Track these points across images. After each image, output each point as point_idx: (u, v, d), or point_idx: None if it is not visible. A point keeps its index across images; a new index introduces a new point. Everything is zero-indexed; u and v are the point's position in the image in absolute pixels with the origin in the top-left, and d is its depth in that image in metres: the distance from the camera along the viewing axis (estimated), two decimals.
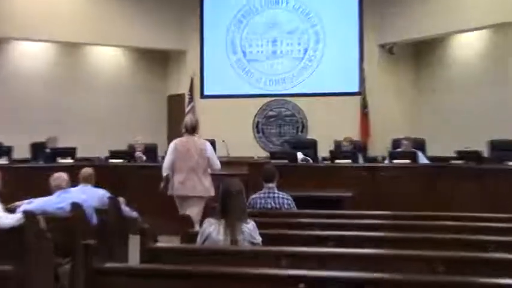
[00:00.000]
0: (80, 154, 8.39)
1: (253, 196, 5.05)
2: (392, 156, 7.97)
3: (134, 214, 5.81)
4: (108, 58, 11.69)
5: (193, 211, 5.69)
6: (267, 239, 3.67)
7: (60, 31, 10.37)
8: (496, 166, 7.16)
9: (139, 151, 8.73)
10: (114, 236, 5.37)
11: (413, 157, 7.80)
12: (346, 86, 10.92)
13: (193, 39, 11.58)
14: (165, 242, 3.95)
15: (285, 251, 3.36)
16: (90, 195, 5.34)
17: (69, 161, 8.03)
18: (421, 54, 10.93)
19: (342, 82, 10.96)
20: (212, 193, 5.86)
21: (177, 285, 2.89)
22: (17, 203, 5.00)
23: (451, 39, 10.28)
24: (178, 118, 9.61)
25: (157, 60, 12.17)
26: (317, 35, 11.12)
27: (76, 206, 4.89)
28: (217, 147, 8.58)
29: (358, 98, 10.73)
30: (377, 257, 3.33)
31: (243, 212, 3.70)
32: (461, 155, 7.49)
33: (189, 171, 5.94)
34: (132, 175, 7.95)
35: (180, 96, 11.76)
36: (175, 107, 11.89)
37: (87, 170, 5.70)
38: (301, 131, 11.14)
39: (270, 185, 5.05)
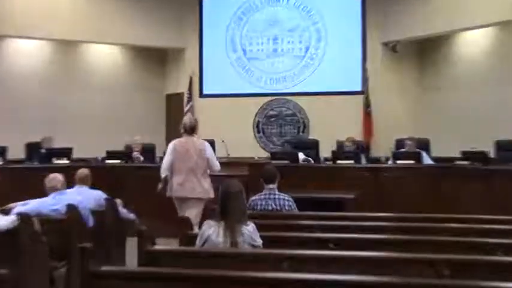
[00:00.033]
0: (76, 154, 8.39)
1: (254, 197, 5.05)
2: (396, 156, 7.96)
3: (131, 216, 5.80)
4: (104, 56, 11.69)
5: (192, 213, 5.69)
6: (267, 242, 3.67)
7: (56, 29, 10.36)
8: (502, 167, 7.14)
9: (137, 151, 8.73)
10: (111, 239, 5.36)
11: (418, 158, 7.79)
12: (349, 85, 10.91)
13: (192, 37, 11.58)
14: (163, 244, 3.95)
15: (285, 254, 3.35)
16: (86, 197, 5.33)
17: (64, 161, 8.02)
18: (426, 52, 10.92)
19: (344, 81, 10.96)
20: (212, 195, 5.87)
21: None
22: (12, 205, 4.99)
23: (456, 36, 10.28)
24: (176, 118, 9.61)
25: (155, 59, 12.17)
26: (319, 32, 11.11)
27: (72, 208, 4.88)
28: (216, 147, 8.58)
29: (360, 97, 10.72)
30: (380, 260, 3.32)
31: (243, 213, 3.69)
32: (467, 155, 7.47)
33: (188, 172, 5.95)
34: (130, 176, 7.94)
35: (179, 96, 11.76)
36: (174, 106, 11.89)
37: (83, 171, 5.69)
38: (303, 131, 11.14)
39: (271, 186, 5.05)
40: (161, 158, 7.39)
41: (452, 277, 3.04)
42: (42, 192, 5.09)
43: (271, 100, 11.30)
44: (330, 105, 10.76)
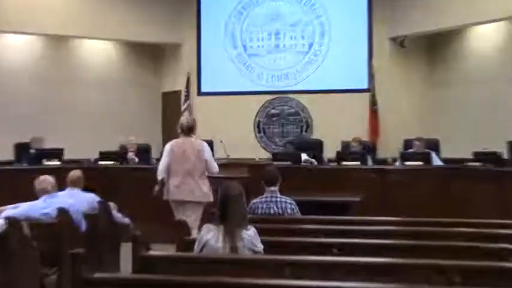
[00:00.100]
0: (67, 155, 8.39)
1: (254, 200, 5.04)
2: (404, 157, 7.96)
3: (126, 220, 5.81)
4: (98, 52, 11.67)
5: (191, 217, 5.70)
6: (268, 247, 3.67)
7: (46, 24, 10.34)
8: None
9: (132, 152, 8.74)
10: (104, 244, 5.37)
11: (427, 158, 7.79)
12: (354, 82, 10.91)
13: (189, 31, 11.57)
14: (160, 250, 3.95)
15: (287, 260, 3.35)
16: (78, 200, 5.33)
17: (55, 162, 8.02)
18: (435, 47, 10.91)
19: (350, 78, 10.95)
20: (211, 198, 5.87)
21: None
22: (1, 208, 4.99)
23: (468, 31, 10.26)
24: (173, 117, 9.62)
25: (150, 55, 12.17)
26: (322, 27, 11.11)
27: (63, 212, 4.88)
28: (215, 148, 8.59)
29: (366, 95, 10.71)
30: (387, 266, 3.32)
31: (243, 217, 3.69)
32: (479, 156, 7.47)
33: (185, 174, 5.96)
34: (124, 178, 7.94)
35: (176, 94, 11.75)
36: (171, 105, 11.89)
37: (75, 173, 5.69)
38: (306, 131, 11.14)
39: (272, 188, 5.05)
40: (157, 159, 7.41)
41: (463, 284, 3.04)
42: (32, 195, 5.10)
43: (273, 98, 11.29)
44: (335, 103, 10.76)
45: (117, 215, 5.73)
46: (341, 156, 8.14)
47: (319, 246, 3.89)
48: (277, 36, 11.28)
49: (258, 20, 11.35)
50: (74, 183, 5.60)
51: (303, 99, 11.12)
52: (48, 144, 8.71)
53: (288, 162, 7.92)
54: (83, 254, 3.01)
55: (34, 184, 5.11)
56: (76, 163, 8.14)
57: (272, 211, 4.96)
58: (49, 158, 8.09)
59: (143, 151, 8.91)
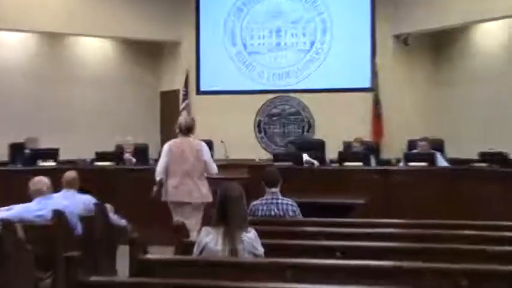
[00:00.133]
0: (62, 156, 8.38)
1: (255, 202, 5.04)
2: (408, 158, 7.96)
3: (123, 222, 5.80)
4: (93, 50, 11.66)
5: (190, 220, 5.69)
6: (269, 250, 3.66)
7: (41, 21, 10.32)
8: None
9: (129, 152, 8.72)
10: (100, 247, 5.36)
11: (431, 159, 7.78)
12: (357, 81, 10.91)
13: (188, 29, 11.57)
14: (157, 253, 3.93)
15: (288, 263, 3.34)
16: (73, 202, 5.33)
17: (50, 163, 8.02)
18: (439, 45, 10.91)
19: (352, 77, 10.96)
20: (210, 199, 5.87)
21: None
22: None
23: (474, 28, 10.25)
24: (172, 116, 9.60)
25: (148, 53, 12.15)
26: (324, 24, 11.10)
27: (58, 214, 4.87)
28: (214, 148, 8.59)
29: (369, 94, 10.72)
30: (391, 270, 3.31)
31: (243, 219, 3.68)
32: (485, 157, 7.47)
33: (183, 175, 5.96)
34: (121, 179, 7.94)
35: (174, 93, 11.75)
36: (169, 104, 11.89)
37: (70, 174, 5.69)
38: (307, 131, 11.13)
39: (273, 190, 5.04)
40: (155, 160, 7.41)
41: None
42: (26, 197, 5.09)
43: (274, 97, 11.29)
44: (337, 102, 10.75)
45: (114, 217, 5.73)
46: (343, 156, 8.13)
47: (321, 249, 3.89)
48: (278, 33, 11.27)
49: (258, 17, 11.35)
50: (70, 185, 5.59)
51: (305, 98, 11.12)
52: (43, 144, 8.72)
53: (289, 163, 7.91)
54: (79, 257, 3.00)
55: (28, 185, 5.10)
56: (71, 164, 8.15)
57: (273, 213, 4.95)
58: (44, 159, 8.10)
59: (140, 151, 8.90)
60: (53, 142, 8.73)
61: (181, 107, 11.31)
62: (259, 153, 10.51)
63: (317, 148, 8.91)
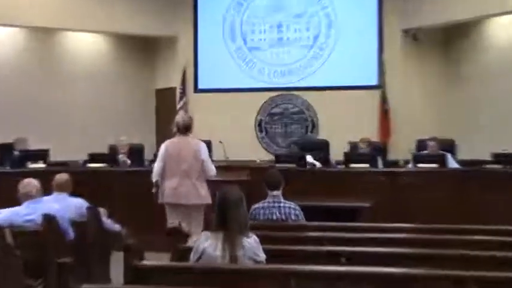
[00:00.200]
0: (53, 157, 8.40)
1: (256, 206, 5.05)
2: (417, 159, 7.96)
3: (117, 227, 5.81)
4: (85, 46, 11.66)
5: (192, 224, 5.71)
6: (271, 256, 3.66)
7: (30, 15, 10.30)
8: None
9: (123, 153, 8.73)
10: (93, 253, 5.37)
11: (441, 160, 7.79)
12: (363, 78, 10.91)
13: (185, 24, 11.58)
14: (154, 259, 3.94)
15: (291, 270, 3.35)
16: (65, 205, 5.33)
17: (40, 165, 8.03)
18: (451, 40, 10.91)
19: (358, 73, 10.95)
20: (209, 201, 5.89)
21: None
22: None
23: (486, 22, 10.24)
24: (168, 115, 9.62)
25: (143, 49, 12.17)
26: (329, 19, 11.10)
27: (49, 218, 4.88)
28: (213, 149, 8.60)
29: (377, 92, 10.72)
30: (399, 276, 3.32)
31: (243, 224, 3.69)
32: (498, 158, 7.47)
33: (182, 176, 6.00)
34: (115, 181, 7.94)
35: (171, 90, 11.76)
36: (165, 102, 11.90)
37: (62, 176, 5.69)
38: (311, 131, 11.14)
39: (275, 192, 5.05)
40: (151, 161, 7.41)
41: None
42: (15, 200, 5.09)
43: (275, 96, 11.30)
44: (342, 101, 10.76)
45: (108, 222, 5.73)
46: (349, 158, 8.13)
47: (325, 255, 3.90)
48: (280, 28, 11.28)
49: (259, 11, 11.36)
50: (61, 188, 5.60)
51: (308, 96, 11.12)
52: (33, 145, 8.70)
53: (292, 165, 7.92)
54: (70, 264, 3.02)
55: (18, 188, 5.10)
56: (63, 165, 8.16)
57: (275, 217, 4.96)
58: (34, 160, 8.09)
59: (135, 152, 8.91)
60: (43, 143, 8.74)
61: (178, 105, 11.31)
62: (260, 154, 10.51)
63: (321, 149, 8.93)
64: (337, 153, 8.70)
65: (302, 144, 9.45)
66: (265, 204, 5.02)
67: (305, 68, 11.16)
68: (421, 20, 10.53)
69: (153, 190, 6.08)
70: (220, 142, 9.26)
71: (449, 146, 8.48)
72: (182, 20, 11.56)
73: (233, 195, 3.70)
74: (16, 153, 8.37)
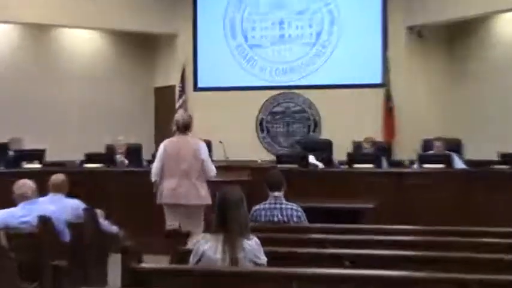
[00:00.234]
0: (49, 157, 8.40)
1: (257, 207, 5.05)
2: (422, 159, 7.96)
3: (114, 229, 5.82)
4: (82, 43, 11.67)
5: (192, 225, 5.70)
6: (272, 258, 3.66)
7: (24, 11, 10.27)
8: None
9: (121, 153, 8.73)
10: (90, 255, 5.37)
11: (448, 161, 7.79)
12: (367, 77, 10.91)
13: (184, 21, 11.58)
14: (153, 262, 3.94)
15: (293, 273, 3.36)
16: (61, 207, 5.34)
17: (36, 165, 8.03)
18: (456, 37, 10.90)
19: (362, 71, 10.94)
20: (209, 201, 5.89)
21: None
22: None
23: (492, 19, 10.24)
24: (167, 114, 9.63)
25: (142, 46, 12.17)
26: (332, 15, 11.10)
27: (44, 220, 4.88)
28: (213, 149, 8.61)
29: (381, 91, 10.72)
30: (403, 279, 3.32)
31: (244, 226, 3.68)
32: (505, 158, 7.47)
33: (181, 175, 6.00)
34: (112, 182, 7.94)
35: (170, 89, 11.77)
36: (164, 101, 11.91)
37: (58, 177, 5.70)
38: (313, 130, 11.14)
39: (277, 193, 5.05)
40: (149, 161, 7.42)
41: None
42: (9, 202, 5.10)
43: (277, 94, 11.30)
44: (345, 100, 10.76)
45: (105, 223, 5.74)
46: (352, 158, 8.13)
47: (328, 257, 3.90)
48: (282, 25, 11.28)
49: (260, 7, 11.35)
50: (57, 188, 5.61)
51: (310, 95, 11.12)
52: (28, 145, 8.70)
53: (294, 165, 7.92)
54: (67, 267, 3.02)
55: (12, 189, 5.11)
56: (59, 166, 8.15)
57: (276, 219, 4.96)
58: (29, 160, 8.09)
59: (133, 152, 8.90)
60: (39, 142, 8.74)
61: (177, 104, 11.31)
62: (261, 154, 10.51)
63: (324, 149, 8.93)
64: (340, 153, 8.69)
65: (305, 144, 9.46)
66: (267, 206, 5.02)
67: (307, 66, 11.15)
68: (426, 17, 10.52)
69: (154, 190, 6.09)
70: (220, 142, 9.26)
71: (455, 146, 8.49)
72: (182, 17, 11.57)
73: (233, 196, 3.70)
74: (11, 153, 8.38)
